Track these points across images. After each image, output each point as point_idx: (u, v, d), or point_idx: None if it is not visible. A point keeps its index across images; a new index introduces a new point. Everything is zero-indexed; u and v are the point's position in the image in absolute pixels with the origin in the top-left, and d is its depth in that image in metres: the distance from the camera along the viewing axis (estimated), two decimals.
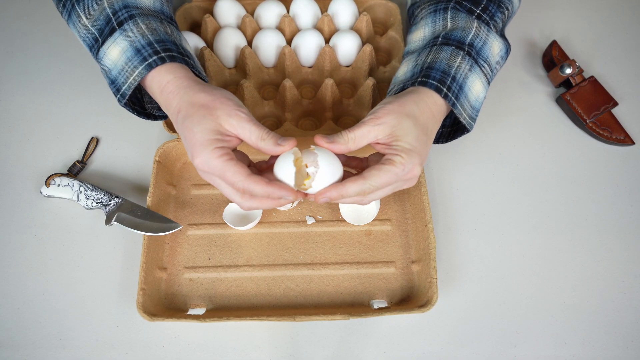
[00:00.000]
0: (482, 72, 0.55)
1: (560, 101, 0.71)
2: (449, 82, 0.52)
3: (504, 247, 0.61)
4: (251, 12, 0.76)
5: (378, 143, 0.50)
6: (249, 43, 0.72)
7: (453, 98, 0.52)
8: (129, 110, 0.57)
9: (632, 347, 0.56)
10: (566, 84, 0.71)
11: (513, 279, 0.59)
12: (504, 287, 0.59)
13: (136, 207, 0.59)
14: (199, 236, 0.61)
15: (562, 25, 0.78)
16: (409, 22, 0.67)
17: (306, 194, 0.51)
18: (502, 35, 0.60)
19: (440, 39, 0.56)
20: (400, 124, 0.49)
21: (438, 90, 0.52)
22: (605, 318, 0.57)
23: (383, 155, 0.50)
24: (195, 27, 0.77)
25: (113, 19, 0.54)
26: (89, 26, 0.56)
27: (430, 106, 0.52)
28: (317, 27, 0.73)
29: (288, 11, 0.74)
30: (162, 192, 0.62)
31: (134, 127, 0.69)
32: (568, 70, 0.68)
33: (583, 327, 0.57)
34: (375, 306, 0.56)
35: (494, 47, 0.57)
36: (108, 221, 0.58)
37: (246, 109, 0.51)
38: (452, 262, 0.60)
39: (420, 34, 0.60)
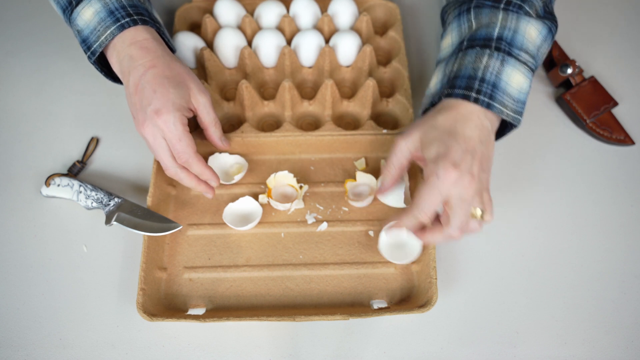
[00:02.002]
0: (520, 61, 0.54)
1: (560, 101, 0.71)
2: (477, 85, 0.52)
3: (504, 247, 0.61)
4: (251, 12, 0.76)
5: (418, 158, 0.55)
6: (249, 43, 0.72)
7: (486, 99, 0.52)
8: (97, 69, 0.61)
9: (632, 347, 0.56)
10: (566, 84, 0.71)
11: (513, 279, 0.59)
12: (504, 287, 0.59)
13: (136, 207, 0.59)
14: (198, 236, 0.61)
15: (562, 25, 0.78)
16: (442, 26, 0.66)
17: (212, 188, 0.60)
18: (548, 13, 0.57)
19: (465, 43, 0.56)
20: (425, 134, 0.52)
21: (466, 98, 0.52)
22: (606, 318, 0.57)
23: None
24: (195, 27, 0.77)
25: None
26: None
27: (454, 112, 0.52)
28: (317, 27, 0.73)
29: (288, 11, 0.74)
30: (162, 192, 0.62)
31: (134, 127, 0.69)
32: (568, 71, 0.69)
33: (583, 327, 0.57)
34: (375, 306, 0.56)
35: (529, 32, 0.55)
36: (108, 221, 0.58)
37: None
38: (452, 262, 0.60)
39: (449, 40, 0.59)
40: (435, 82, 0.58)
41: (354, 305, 0.57)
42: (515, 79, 0.54)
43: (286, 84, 0.65)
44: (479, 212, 0.51)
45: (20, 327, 0.57)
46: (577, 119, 0.69)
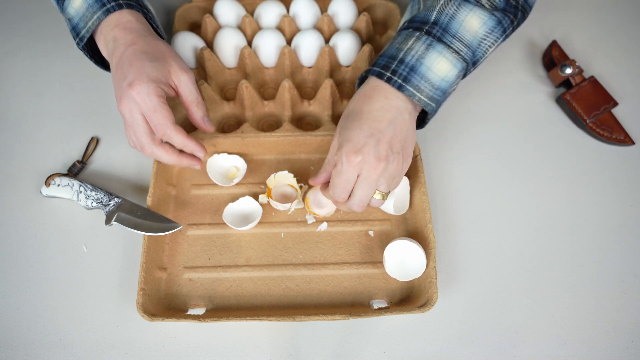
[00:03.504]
0: (450, 49, 0.53)
1: (560, 101, 0.71)
2: (394, 65, 0.53)
3: (504, 247, 0.61)
4: (251, 12, 0.76)
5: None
6: (249, 43, 0.72)
7: (399, 81, 0.52)
8: (86, 55, 0.61)
9: (632, 347, 0.56)
10: (566, 84, 0.71)
11: (513, 279, 0.59)
12: (504, 287, 0.59)
13: (136, 207, 0.59)
14: (198, 236, 0.61)
15: (562, 25, 0.78)
16: None
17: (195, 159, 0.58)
18: (510, 6, 0.55)
19: (404, 24, 0.56)
20: (341, 123, 0.55)
21: (380, 76, 0.53)
22: (605, 318, 0.57)
23: None
24: (195, 27, 0.78)
25: None
26: None
27: (365, 93, 0.54)
28: (317, 27, 0.73)
29: (288, 11, 0.74)
30: (162, 192, 0.62)
31: None
32: (568, 70, 0.68)
33: (583, 327, 0.57)
34: (375, 306, 0.56)
35: (468, 21, 0.53)
36: (108, 221, 0.58)
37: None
38: (452, 262, 0.60)
39: (401, 21, 0.60)
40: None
41: (354, 305, 0.57)
42: (439, 66, 0.53)
43: (286, 84, 0.65)
44: (378, 195, 0.54)
45: (20, 327, 0.56)
46: (577, 119, 0.69)
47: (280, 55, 0.70)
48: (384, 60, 0.54)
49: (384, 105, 0.53)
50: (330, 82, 0.65)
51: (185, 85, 0.56)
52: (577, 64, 0.69)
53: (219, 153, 0.65)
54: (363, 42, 0.72)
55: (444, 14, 0.53)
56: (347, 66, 0.72)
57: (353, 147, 0.51)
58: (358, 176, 0.52)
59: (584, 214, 0.63)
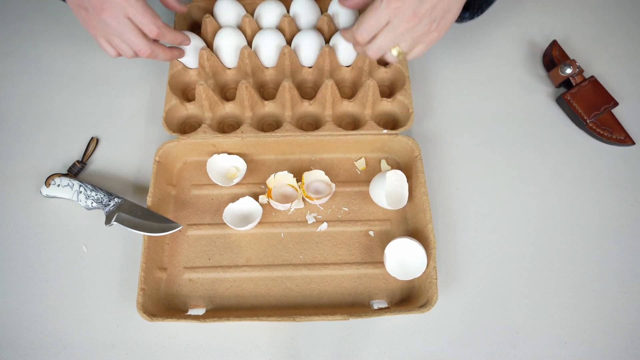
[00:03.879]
0: None
1: (560, 101, 0.71)
2: None
3: (504, 247, 0.61)
4: (251, 12, 0.75)
5: None
6: (249, 43, 0.72)
7: None
8: None
9: (632, 347, 0.56)
10: (566, 84, 0.71)
11: (513, 279, 0.59)
12: (504, 287, 0.59)
13: (136, 207, 0.59)
14: (198, 236, 0.61)
15: (562, 25, 0.78)
16: None
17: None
18: None
19: None
20: None
21: None
22: (605, 318, 0.57)
23: None
24: (195, 27, 0.77)
25: None
26: None
27: None
28: (317, 27, 0.73)
29: (288, 11, 0.74)
30: (162, 192, 0.62)
31: (133, 127, 0.69)
32: (568, 70, 0.68)
33: (583, 327, 0.57)
34: (375, 306, 0.56)
35: None
36: (108, 221, 0.58)
37: None
38: (452, 262, 0.60)
39: None
40: None
41: (354, 306, 0.57)
42: None
43: (286, 84, 0.65)
44: (395, 51, 0.54)
45: (20, 327, 0.57)
46: (577, 119, 0.69)
47: (280, 55, 0.70)
48: None
49: None
50: (331, 82, 0.65)
51: None
52: (577, 64, 0.69)
53: (219, 153, 0.65)
54: None
55: None
56: (347, 66, 0.72)
57: None
58: (387, 23, 0.52)
59: (584, 214, 0.63)
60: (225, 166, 0.65)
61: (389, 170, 0.61)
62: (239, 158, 0.65)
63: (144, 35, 0.55)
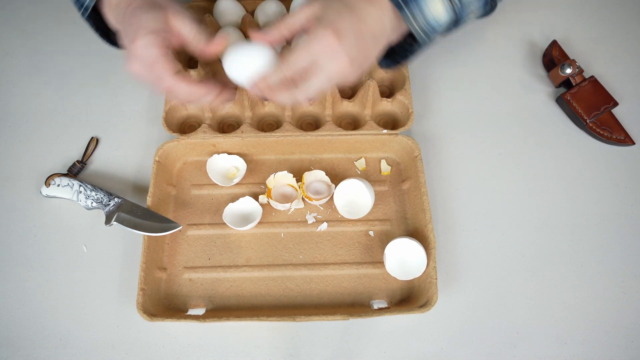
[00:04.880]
0: None
1: (560, 101, 0.71)
2: None
3: (504, 247, 0.61)
4: (251, 12, 0.75)
5: (307, 29, 0.51)
6: None
7: (400, 0, 0.51)
8: (91, 27, 0.59)
9: (632, 347, 0.56)
10: (566, 83, 0.71)
11: (513, 279, 0.59)
12: (504, 287, 0.59)
13: (136, 207, 0.59)
14: (198, 236, 0.61)
15: (562, 25, 0.78)
16: None
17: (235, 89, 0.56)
18: None
19: None
20: (326, 4, 0.50)
21: None
22: (606, 318, 0.57)
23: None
24: None
25: None
26: None
27: None
28: None
29: (288, 11, 0.74)
30: (162, 192, 0.62)
31: (133, 127, 0.69)
32: (568, 70, 0.68)
33: (583, 327, 0.57)
34: (375, 306, 0.56)
35: None
36: (108, 221, 0.58)
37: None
38: (452, 262, 0.60)
39: None
40: None
41: (354, 306, 0.57)
42: (434, 6, 0.52)
43: None
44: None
45: (20, 327, 0.57)
46: (577, 119, 0.69)
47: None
48: None
49: (378, 15, 0.51)
50: None
51: (184, 24, 0.54)
52: (577, 63, 0.69)
53: (219, 153, 0.65)
54: None
55: None
56: None
57: (335, 30, 0.48)
58: (316, 62, 0.49)
59: (584, 214, 0.63)
60: (225, 166, 0.65)
61: (358, 179, 0.60)
62: (239, 158, 0.65)
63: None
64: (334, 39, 0.48)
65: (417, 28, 0.52)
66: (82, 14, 0.57)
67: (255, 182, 0.65)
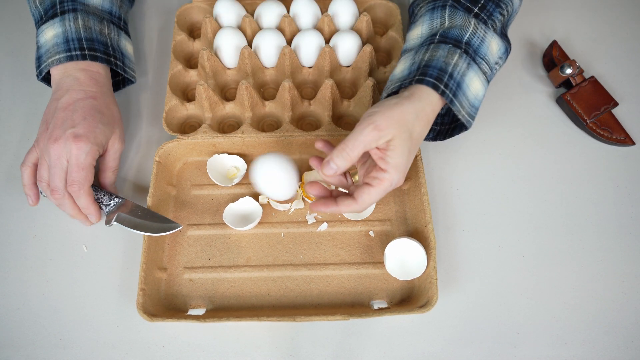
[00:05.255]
0: (481, 70, 0.56)
1: (560, 101, 0.71)
2: (446, 79, 0.53)
3: (504, 247, 0.61)
4: (251, 12, 0.75)
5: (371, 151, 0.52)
6: (249, 43, 0.72)
7: (451, 95, 0.52)
8: (46, 84, 0.65)
9: (632, 347, 0.56)
10: (566, 84, 0.71)
11: (513, 279, 0.59)
12: (504, 287, 0.59)
13: (136, 207, 0.59)
14: (198, 236, 0.61)
15: (562, 25, 0.78)
16: (410, 20, 0.67)
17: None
18: (503, 35, 0.60)
19: (437, 37, 0.56)
20: (399, 136, 0.50)
21: (435, 88, 0.52)
22: (606, 318, 0.57)
23: (370, 162, 0.54)
24: (196, 28, 0.77)
25: (58, 7, 0.62)
26: (38, 5, 0.64)
27: (427, 112, 0.52)
28: (317, 27, 0.73)
29: (288, 11, 0.74)
30: (162, 192, 0.62)
31: (133, 127, 0.69)
32: (568, 71, 0.68)
33: (583, 327, 0.57)
34: (375, 306, 0.56)
35: (492, 45, 0.57)
36: (108, 221, 0.58)
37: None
38: (452, 262, 0.60)
39: (418, 31, 0.60)
40: (402, 68, 0.57)
41: (354, 306, 0.57)
42: (474, 85, 0.55)
43: (286, 84, 0.65)
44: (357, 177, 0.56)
45: (20, 327, 0.57)
46: (577, 119, 0.69)
47: (280, 56, 0.70)
48: (435, 72, 0.53)
49: (427, 123, 0.53)
50: (331, 82, 0.65)
51: (114, 152, 0.61)
52: (577, 64, 0.69)
53: (219, 153, 0.65)
54: (363, 43, 0.72)
55: (476, 37, 0.56)
56: (347, 66, 0.72)
57: (405, 172, 0.52)
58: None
59: (584, 214, 0.63)
60: (226, 166, 0.65)
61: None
62: (239, 158, 0.65)
63: (65, 181, 0.57)
64: (404, 178, 0.52)
65: (464, 115, 0.55)
66: (37, 76, 0.62)
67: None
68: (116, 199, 0.60)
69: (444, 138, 0.61)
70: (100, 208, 0.59)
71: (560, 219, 0.63)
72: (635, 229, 0.62)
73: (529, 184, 0.65)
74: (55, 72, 0.61)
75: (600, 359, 0.55)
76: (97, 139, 0.57)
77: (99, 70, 0.61)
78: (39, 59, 0.62)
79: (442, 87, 0.52)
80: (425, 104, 0.52)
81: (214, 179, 0.63)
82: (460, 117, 0.54)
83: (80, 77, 0.60)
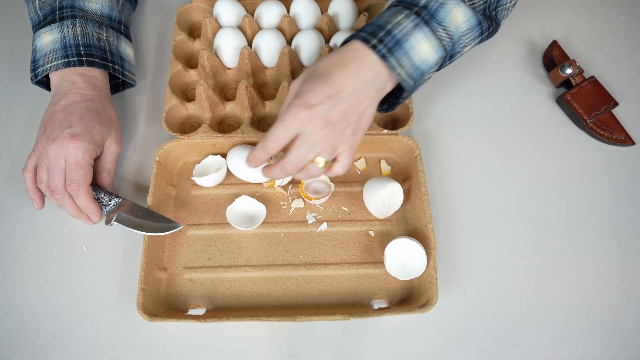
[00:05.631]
0: (434, 35, 0.53)
1: (560, 101, 0.71)
2: (381, 34, 0.52)
3: (504, 247, 0.61)
4: (251, 12, 0.75)
5: None
6: (249, 43, 0.72)
7: (384, 50, 0.51)
8: (41, 87, 0.66)
9: (632, 347, 0.56)
10: (566, 84, 0.71)
11: (513, 279, 0.59)
12: (504, 287, 0.59)
13: (136, 207, 0.59)
14: (199, 236, 0.61)
15: (562, 25, 0.78)
16: None
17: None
18: (487, 16, 0.56)
19: (395, 1, 0.55)
20: (306, 76, 0.52)
21: (365, 41, 0.52)
22: (606, 318, 0.57)
23: None
24: (196, 28, 0.77)
25: (57, 13, 0.63)
26: (37, 10, 0.64)
27: (342, 56, 0.52)
28: (317, 27, 0.73)
29: (288, 11, 0.74)
30: (162, 192, 0.62)
31: (134, 127, 0.69)
32: (568, 71, 0.68)
33: (583, 327, 0.57)
34: (376, 306, 0.56)
35: (455, 13, 0.54)
36: (108, 221, 0.58)
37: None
38: (452, 262, 0.60)
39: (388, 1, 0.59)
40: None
41: (354, 306, 0.57)
42: (422, 47, 0.53)
43: (286, 84, 0.65)
44: (320, 160, 0.53)
45: (20, 327, 0.57)
46: (577, 119, 0.69)
47: (280, 56, 0.70)
48: (371, 28, 0.52)
49: (354, 73, 0.51)
50: None
51: (111, 154, 0.61)
52: (577, 64, 0.69)
53: (214, 154, 0.65)
54: None
55: (434, 1, 0.53)
56: None
57: (305, 102, 0.50)
58: (298, 134, 0.51)
59: (584, 214, 0.63)
60: (211, 169, 0.65)
61: (388, 179, 0.60)
62: (219, 157, 0.65)
63: (64, 181, 0.57)
64: (304, 111, 0.50)
65: (403, 74, 0.53)
66: (31, 79, 0.63)
67: (255, 183, 0.65)
68: (116, 199, 0.60)
69: (392, 105, 0.59)
70: (101, 208, 0.59)
71: (560, 219, 0.63)
72: (635, 229, 0.62)
73: (529, 184, 0.65)
74: (54, 77, 0.62)
75: (600, 359, 0.55)
76: (94, 138, 0.58)
77: (96, 75, 0.62)
78: (34, 62, 0.62)
79: (374, 41, 0.51)
80: (348, 51, 0.52)
81: (202, 183, 0.63)
82: (395, 74, 0.52)
83: (78, 81, 0.61)
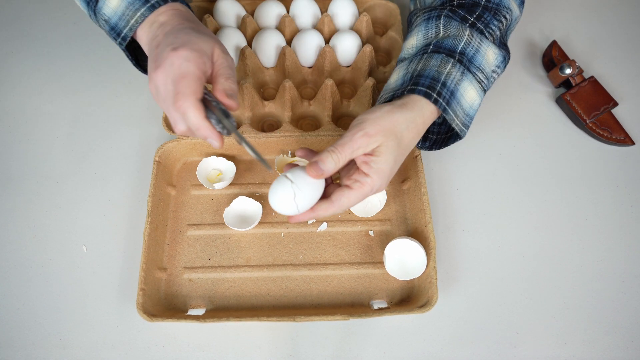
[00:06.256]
0: (476, 79, 0.55)
1: (560, 101, 0.71)
2: (438, 87, 0.53)
3: (504, 247, 0.61)
4: (251, 12, 0.76)
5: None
6: (249, 43, 0.72)
7: (444, 104, 0.52)
8: (127, 56, 0.58)
9: (632, 347, 0.56)
10: (566, 84, 0.71)
11: (513, 279, 0.59)
12: (504, 287, 0.59)
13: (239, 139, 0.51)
14: (198, 236, 0.61)
15: (562, 25, 0.78)
16: (407, 29, 0.67)
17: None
18: (502, 44, 0.59)
19: (431, 47, 0.56)
20: (386, 143, 0.50)
21: (427, 96, 0.52)
22: (606, 318, 0.57)
23: (352, 165, 0.53)
24: None
25: None
26: None
27: (418, 123, 0.52)
28: (317, 27, 0.73)
29: (288, 11, 0.74)
30: (162, 192, 0.62)
31: (133, 127, 0.69)
32: (568, 71, 0.68)
33: (583, 327, 0.57)
34: (375, 306, 0.56)
35: (488, 55, 0.57)
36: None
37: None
38: (452, 262, 0.60)
39: (413, 41, 0.60)
40: (395, 78, 0.58)
41: (354, 306, 0.57)
42: (469, 94, 0.55)
43: (286, 84, 0.65)
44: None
45: (20, 327, 0.57)
46: (577, 119, 0.69)
47: (280, 56, 0.70)
48: (427, 82, 0.53)
49: (417, 134, 0.53)
50: (331, 82, 0.65)
51: (223, 61, 0.51)
52: (577, 64, 0.69)
53: (217, 156, 0.65)
54: (363, 43, 0.72)
55: (471, 46, 0.56)
56: (347, 66, 0.72)
57: (389, 180, 0.52)
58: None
59: (584, 214, 0.63)
60: (208, 169, 0.64)
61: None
62: (226, 160, 0.64)
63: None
64: (381, 188, 0.51)
65: (458, 123, 0.55)
66: (120, 44, 0.55)
67: (255, 182, 0.65)
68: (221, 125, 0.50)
69: (440, 147, 0.61)
70: (217, 131, 0.49)
71: (560, 218, 0.63)
72: (635, 229, 0.62)
73: (529, 184, 0.65)
74: (141, 33, 0.54)
75: (600, 359, 0.55)
76: (196, 46, 0.49)
77: (179, 8, 0.54)
78: (114, 28, 0.55)
79: (434, 95, 0.52)
80: (417, 114, 0.52)
81: (203, 182, 0.63)
82: (454, 125, 0.54)
83: (164, 19, 0.53)
